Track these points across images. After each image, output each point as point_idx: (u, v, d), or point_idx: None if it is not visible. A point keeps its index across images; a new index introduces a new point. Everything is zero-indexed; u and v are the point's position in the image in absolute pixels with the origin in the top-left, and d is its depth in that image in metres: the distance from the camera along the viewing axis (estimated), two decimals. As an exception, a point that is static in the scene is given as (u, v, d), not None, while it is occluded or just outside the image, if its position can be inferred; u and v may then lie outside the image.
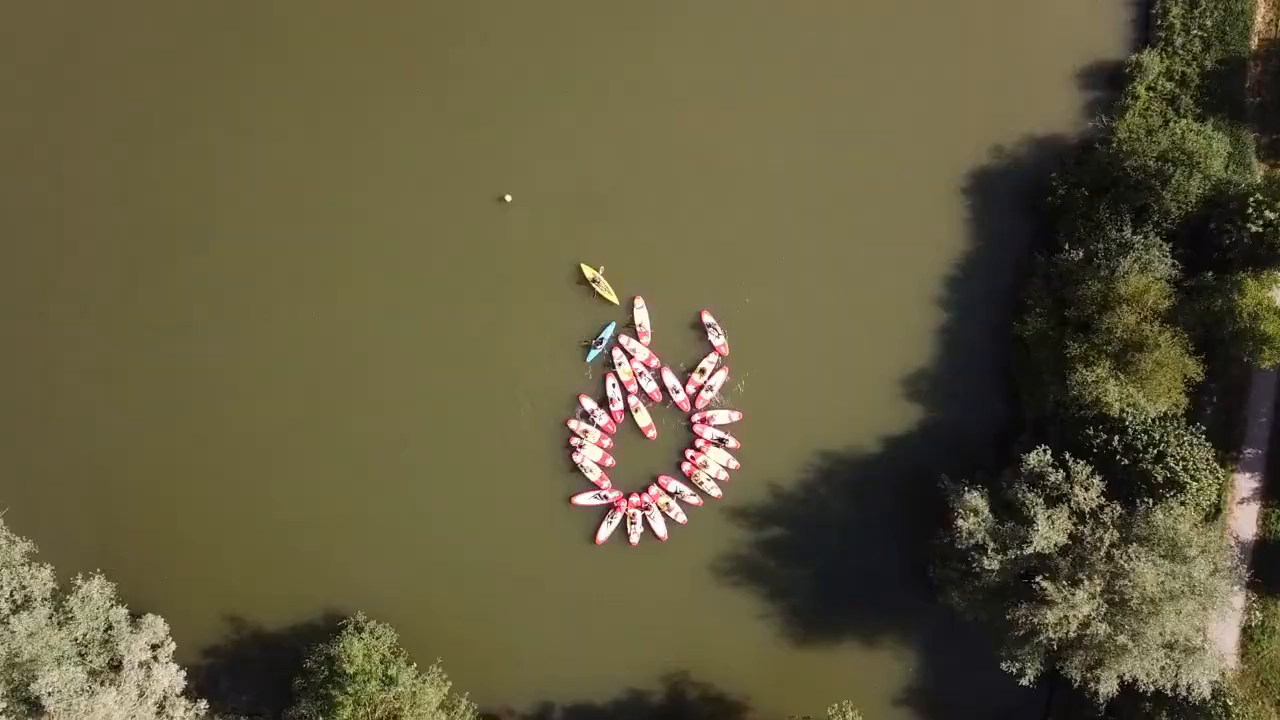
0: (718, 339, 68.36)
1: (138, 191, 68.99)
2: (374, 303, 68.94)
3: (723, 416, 68.57)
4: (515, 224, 68.98)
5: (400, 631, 65.30)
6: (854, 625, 68.37)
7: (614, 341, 68.60)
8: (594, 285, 68.26)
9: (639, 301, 68.59)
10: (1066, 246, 65.78)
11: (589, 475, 68.20)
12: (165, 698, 61.28)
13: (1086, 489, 58.97)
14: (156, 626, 62.86)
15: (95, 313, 68.40)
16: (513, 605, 68.00)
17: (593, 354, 68.67)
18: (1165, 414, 62.40)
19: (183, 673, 62.98)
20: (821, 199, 69.82)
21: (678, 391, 68.88)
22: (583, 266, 68.49)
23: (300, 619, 67.49)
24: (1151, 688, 58.19)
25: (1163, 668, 57.68)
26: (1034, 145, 69.87)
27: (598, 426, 68.16)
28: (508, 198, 68.78)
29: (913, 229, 69.57)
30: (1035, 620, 57.27)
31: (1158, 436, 60.33)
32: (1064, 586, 56.66)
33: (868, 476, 68.54)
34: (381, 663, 61.92)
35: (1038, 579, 57.40)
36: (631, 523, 67.83)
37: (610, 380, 68.45)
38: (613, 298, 68.07)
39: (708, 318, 68.56)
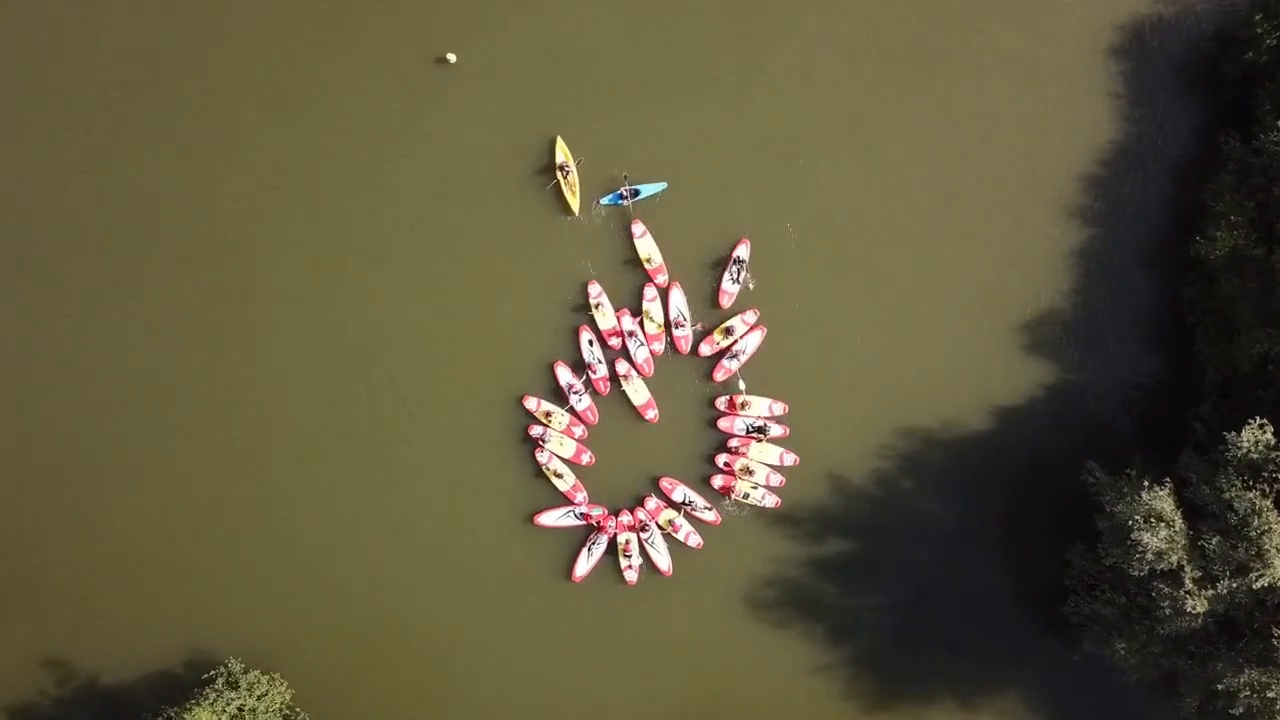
0: (732, 284, 46.99)
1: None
2: (250, 204, 47.79)
3: (762, 406, 47.48)
4: (460, 96, 48.01)
5: (296, 686, 45.98)
6: (949, 679, 47.90)
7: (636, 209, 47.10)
8: (561, 174, 46.91)
9: (638, 225, 47.43)
10: (1278, 124, 44.32)
11: (557, 483, 47.33)
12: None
13: (1343, 485, 37.65)
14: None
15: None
16: (455, 658, 47.59)
17: (607, 198, 47.37)
18: None
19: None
20: (904, 60, 48.00)
21: (680, 326, 47.42)
22: (559, 143, 47.28)
23: (155, 666, 47.43)
24: None
25: None
26: (1215, -15, 48.45)
27: (568, 409, 47.28)
28: (450, 58, 47.73)
29: (1037, 107, 47.85)
30: (1271, 694, 36.04)
31: None
32: (1327, 643, 35.44)
33: (970, 467, 47.33)
34: (258, 736, 41.98)
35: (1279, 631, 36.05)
36: (625, 554, 46.97)
37: (586, 336, 47.36)
38: (574, 203, 47.09)
39: (742, 252, 47.43)
